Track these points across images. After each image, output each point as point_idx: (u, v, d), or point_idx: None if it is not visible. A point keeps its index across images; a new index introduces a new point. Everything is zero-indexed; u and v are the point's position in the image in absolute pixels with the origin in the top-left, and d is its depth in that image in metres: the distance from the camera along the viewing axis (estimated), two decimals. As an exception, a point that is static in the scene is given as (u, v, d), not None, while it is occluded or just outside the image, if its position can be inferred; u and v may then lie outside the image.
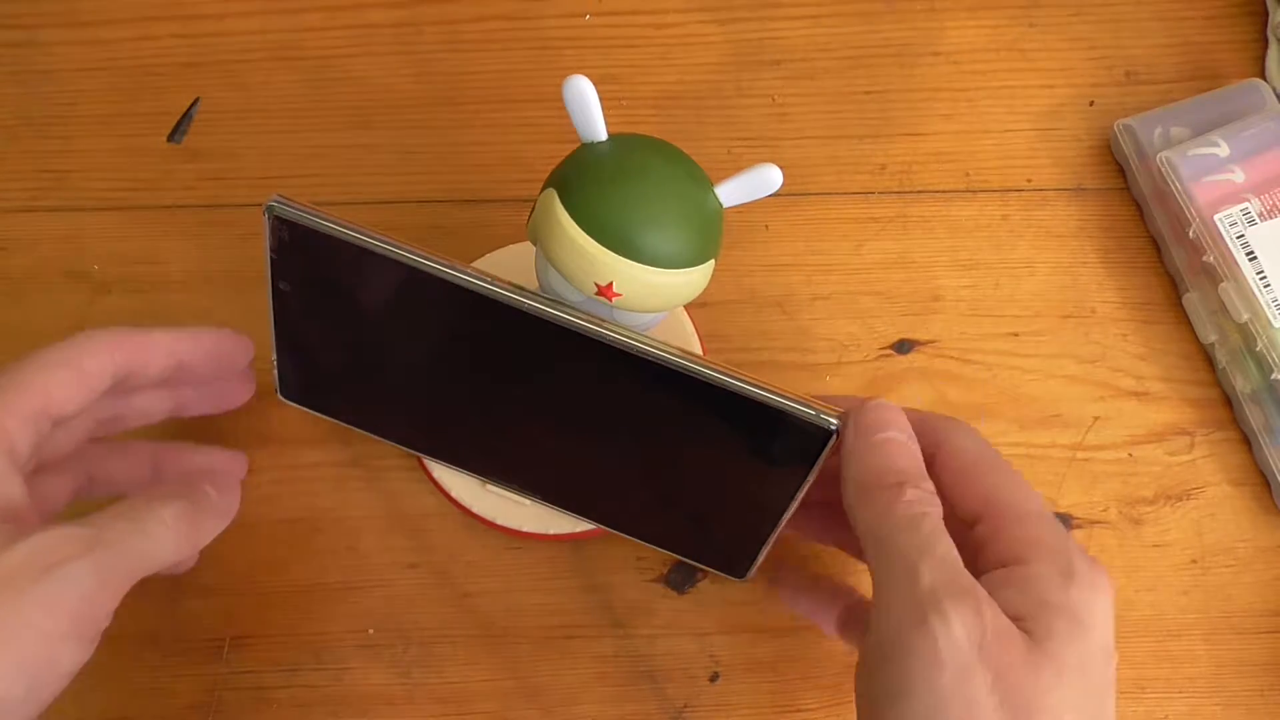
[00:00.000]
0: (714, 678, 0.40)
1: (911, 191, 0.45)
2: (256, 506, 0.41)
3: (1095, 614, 0.29)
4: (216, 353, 0.37)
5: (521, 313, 0.33)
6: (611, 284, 0.31)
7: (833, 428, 0.32)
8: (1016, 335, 0.44)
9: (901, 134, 0.46)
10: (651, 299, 0.32)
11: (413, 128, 0.46)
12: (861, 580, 0.40)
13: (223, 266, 0.44)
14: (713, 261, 0.33)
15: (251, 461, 0.42)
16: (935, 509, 0.30)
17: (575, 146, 0.33)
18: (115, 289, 0.43)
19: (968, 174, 0.46)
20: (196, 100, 0.46)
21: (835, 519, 0.34)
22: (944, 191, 0.46)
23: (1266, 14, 0.47)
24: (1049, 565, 0.29)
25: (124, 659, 0.40)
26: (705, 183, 0.33)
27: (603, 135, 0.32)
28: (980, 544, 0.31)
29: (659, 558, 0.41)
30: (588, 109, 0.31)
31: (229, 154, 0.45)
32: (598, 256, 0.31)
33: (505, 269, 0.42)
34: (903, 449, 0.31)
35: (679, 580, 0.41)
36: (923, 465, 0.32)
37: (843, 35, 0.47)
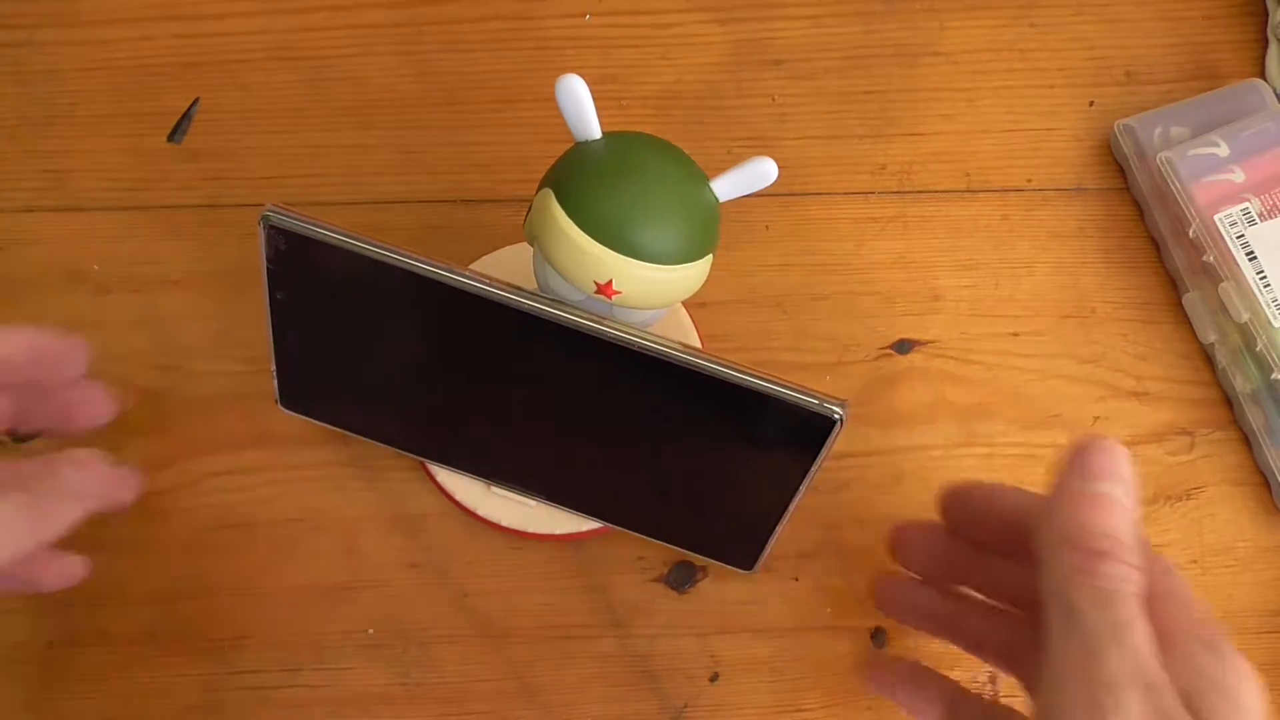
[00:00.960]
0: (714, 678, 0.40)
1: (911, 191, 0.45)
2: (256, 506, 0.41)
3: (1253, 696, 0.27)
4: (36, 355, 0.34)
5: (520, 313, 0.33)
6: (611, 281, 0.31)
7: (836, 417, 0.32)
8: (1016, 335, 0.44)
9: (901, 134, 0.46)
10: (651, 295, 0.32)
11: (413, 128, 0.46)
12: (961, 665, 0.39)
13: (223, 266, 0.44)
14: (711, 257, 0.33)
15: (251, 461, 0.42)
16: (1137, 588, 0.28)
17: (570, 146, 0.33)
18: (115, 289, 0.43)
19: (968, 174, 0.46)
20: (196, 100, 0.46)
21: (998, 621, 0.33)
22: (944, 191, 0.46)
23: (1266, 14, 0.47)
24: (1197, 641, 0.28)
25: (124, 659, 0.40)
26: (701, 178, 0.33)
27: (597, 134, 0.32)
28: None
29: (659, 558, 0.41)
30: (581, 108, 0.31)
31: (229, 154, 0.45)
32: (596, 254, 0.31)
33: (505, 269, 0.42)
34: (1120, 510, 0.29)
35: (679, 580, 0.41)
36: (1136, 533, 0.29)
37: (843, 35, 0.47)
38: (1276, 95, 0.46)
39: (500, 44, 0.46)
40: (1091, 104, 0.47)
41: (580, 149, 0.32)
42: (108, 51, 0.46)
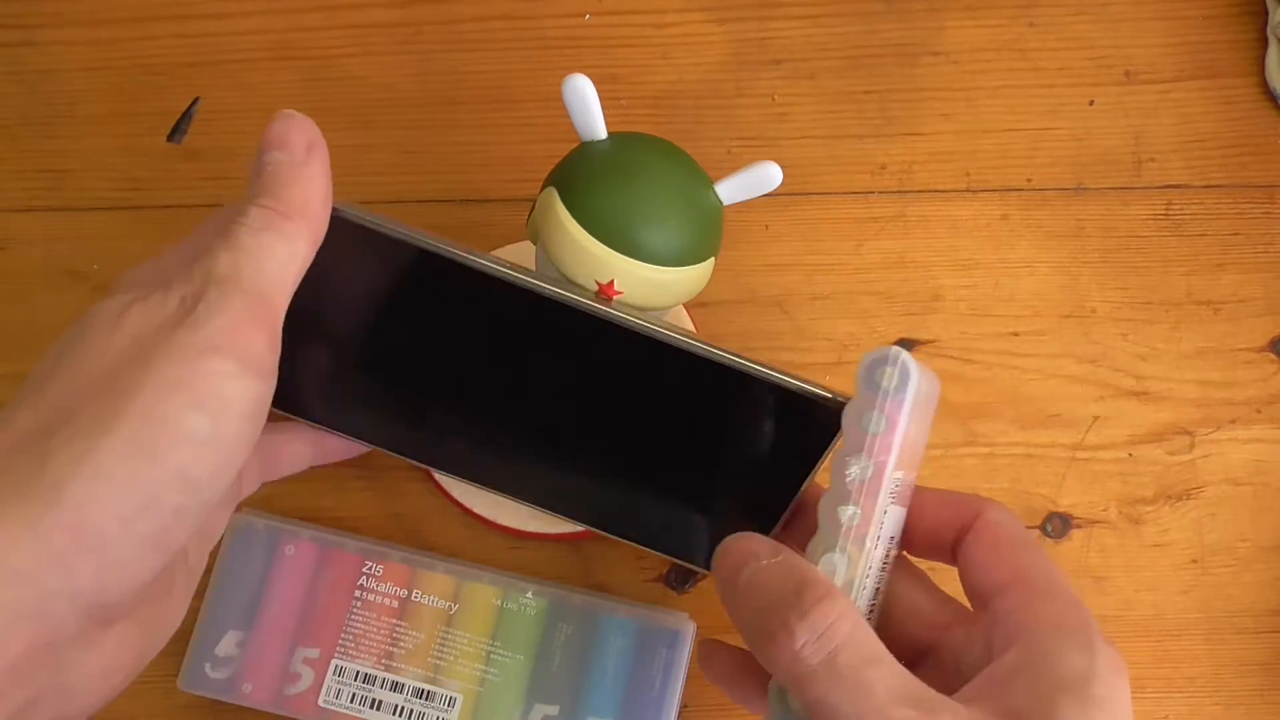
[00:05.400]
0: (714, 677, 0.40)
1: (911, 191, 0.45)
2: (257, 505, 0.41)
3: (1118, 698, 0.26)
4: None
5: (520, 292, 0.32)
6: (612, 282, 0.31)
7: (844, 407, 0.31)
8: (1016, 335, 0.44)
9: (901, 134, 0.46)
10: (652, 296, 0.32)
11: (413, 128, 0.46)
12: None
13: (223, 266, 0.44)
14: (713, 259, 0.33)
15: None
16: (847, 622, 0.26)
17: (575, 145, 0.33)
18: (115, 289, 0.43)
19: (968, 174, 0.46)
20: (196, 100, 0.46)
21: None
22: (944, 191, 0.46)
23: (1266, 13, 0.47)
24: (1070, 646, 0.27)
25: (124, 659, 0.40)
26: (705, 180, 0.33)
27: (603, 134, 0.32)
28: (999, 616, 0.29)
29: (659, 557, 0.41)
30: (587, 108, 0.31)
31: (229, 154, 0.45)
32: (598, 254, 0.31)
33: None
34: (775, 571, 0.28)
35: (679, 579, 0.41)
36: (813, 571, 0.28)
37: (843, 35, 0.47)
38: (1276, 94, 0.46)
39: (500, 44, 0.47)
40: (1092, 104, 0.47)
41: (585, 149, 0.32)
42: (108, 51, 0.46)
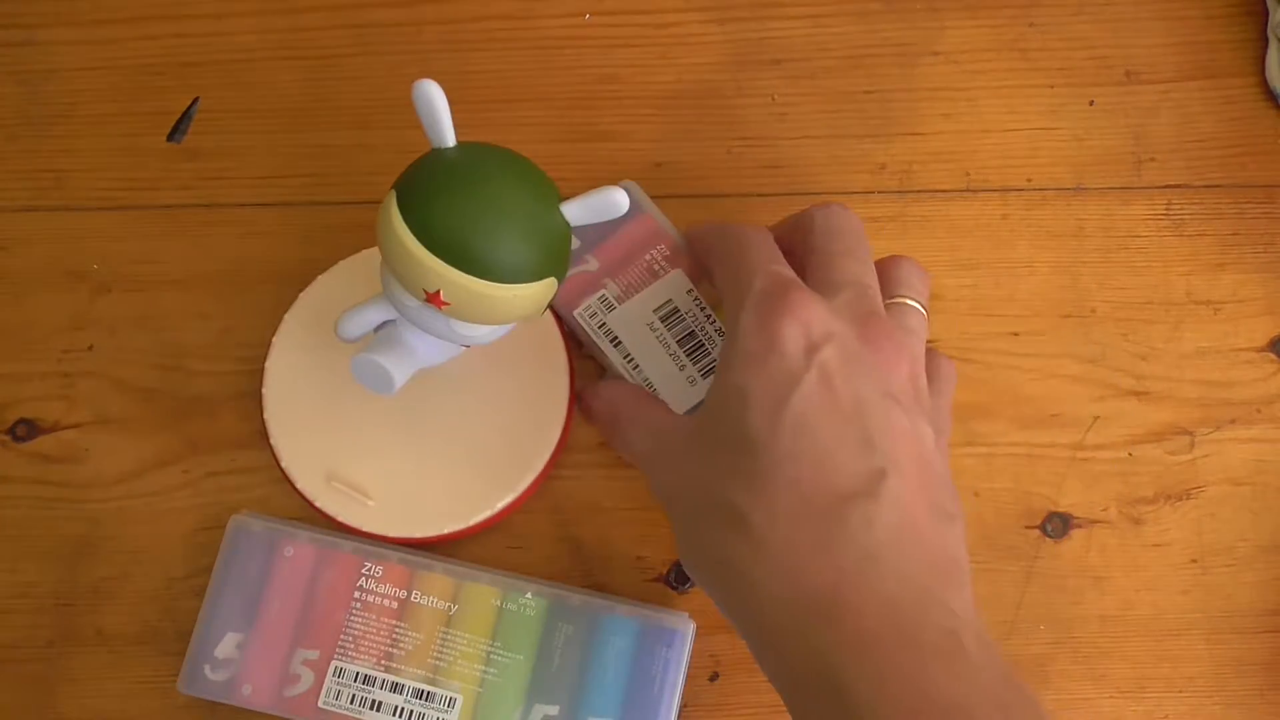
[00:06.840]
0: (714, 677, 0.40)
1: (911, 191, 0.45)
2: (256, 506, 0.41)
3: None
4: None
5: None
6: (439, 292, 0.31)
7: None
8: (1016, 335, 0.44)
9: (901, 134, 0.46)
10: (481, 311, 0.32)
11: (413, 128, 0.45)
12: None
13: (223, 266, 0.44)
14: (554, 280, 0.33)
15: (251, 461, 0.42)
16: (622, 400, 0.40)
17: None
18: (115, 289, 0.43)
19: (968, 174, 0.46)
20: (196, 100, 0.46)
21: None
22: (944, 191, 0.46)
23: (1266, 13, 0.47)
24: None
25: (123, 659, 0.40)
26: (552, 199, 0.32)
27: (450, 141, 0.32)
28: None
29: (659, 557, 0.41)
30: (435, 114, 0.31)
31: (229, 154, 0.45)
32: (425, 262, 0.31)
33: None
34: (599, 401, 0.40)
35: (679, 579, 0.41)
36: (612, 385, 0.40)
37: (843, 35, 0.47)
38: (1276, 94, 0.46)
39: (500, 44, 0.46)
40: (1092, 104, 0.47)
41: (432, 155, 0.32)
42: (108, 51, 0.46)
